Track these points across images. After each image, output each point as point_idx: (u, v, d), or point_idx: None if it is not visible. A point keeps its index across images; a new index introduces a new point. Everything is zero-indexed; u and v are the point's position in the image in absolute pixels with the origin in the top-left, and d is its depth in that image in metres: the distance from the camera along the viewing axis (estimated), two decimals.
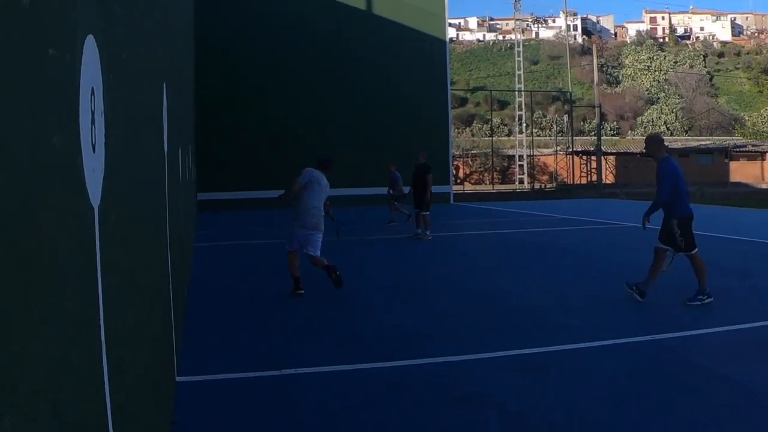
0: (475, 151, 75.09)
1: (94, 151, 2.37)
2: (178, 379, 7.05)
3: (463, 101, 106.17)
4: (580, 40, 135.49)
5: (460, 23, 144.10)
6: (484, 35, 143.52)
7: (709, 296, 10.36)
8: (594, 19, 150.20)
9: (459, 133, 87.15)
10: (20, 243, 1.44)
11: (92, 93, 2.38)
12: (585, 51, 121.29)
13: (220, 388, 6.97)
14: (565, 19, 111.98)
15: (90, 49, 2.37)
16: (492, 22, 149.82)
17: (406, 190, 21.92)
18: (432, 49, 40.16)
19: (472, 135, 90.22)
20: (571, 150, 65.21)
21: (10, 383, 1.33)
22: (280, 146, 35.47)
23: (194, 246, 17.94)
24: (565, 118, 79.05)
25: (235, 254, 17.65)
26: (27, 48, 1.54)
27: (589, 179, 65.94)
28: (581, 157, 67.95)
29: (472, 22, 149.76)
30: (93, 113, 2.38)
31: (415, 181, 20.23)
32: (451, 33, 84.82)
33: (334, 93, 37.02)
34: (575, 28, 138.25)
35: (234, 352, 8.22)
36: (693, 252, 10.61)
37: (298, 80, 36.41)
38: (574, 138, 69.19)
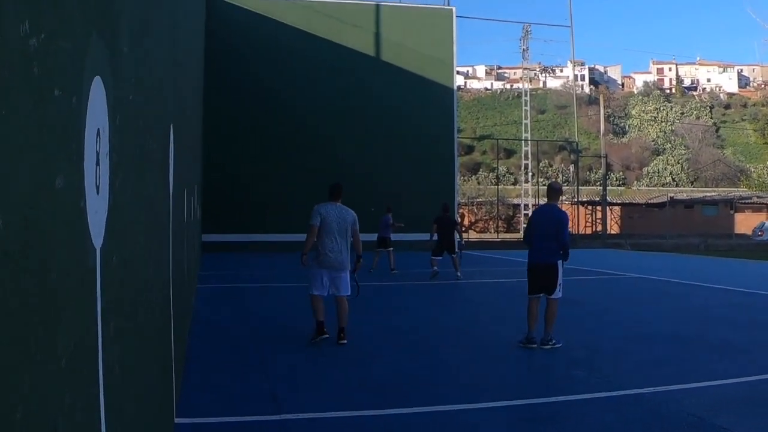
0: (480, 199, 75.20)
1: (98, 192, 2.37)
2: (176, 420, 7.00)
3: (469, 149, 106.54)
4: (587, 89, 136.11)
5: (468, 71, 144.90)
6: (491, 84, 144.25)
7: (526, 344, 10.96)
8: (601, 69, 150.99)
9: (465, 180, 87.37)
10: (21, 282, 1.43)
11: (98, 134, 2.38)
12: (592, 101, 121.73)
13: (219, 431, 6.92)
14: (573, 69, 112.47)
15: (97, 91, 2.38)
16: (500, 71, 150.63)
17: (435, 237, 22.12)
18: (440, 97, 40.32)
19: (478, 183, 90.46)
20: (576, 200, 65.26)
21: (7, 424, 1.32)
22: (285, 190, 35.55)
23: (197, 287, 17.91)
24: (571, 167, 79.37)
25: (237, 296, 17.62)
26: (33, 89, 1.55)
27: (594, 229, 65.92)
28: (586, 207, 68.03)
29: (480, 70, 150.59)
30: (98, 154, 2.38)
31: (444, 228, 21.78)
32: (459, 81, 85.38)
33: (341, 138, 37.17)
34: (583, 77, 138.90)
35: (234, 395, 8.17)
36: (529, 296, 11.46)
37: (304, 125, 36.59)
38: (580, 188, 69.26)
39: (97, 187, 2.36)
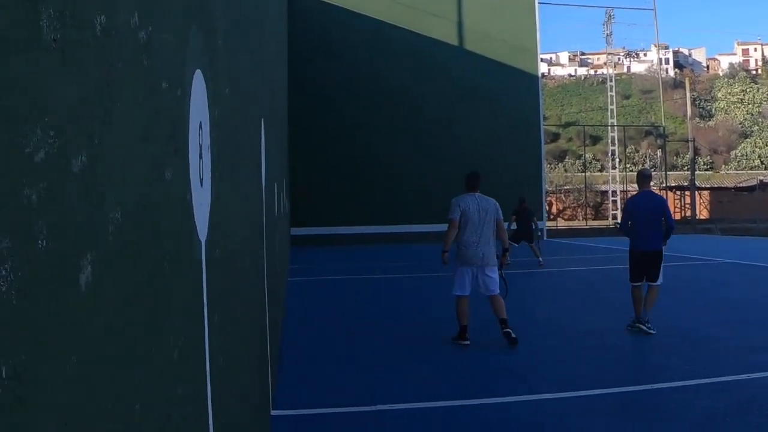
0: (567, 187, 74.52)
1: (201, 185, 2.38)
2: (272, 413, 7.06)
3: (555, 136, 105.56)
4: (672, 73, 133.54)
5: (551, 58, 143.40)
6: (575, 70, 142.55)
7: (635, 325, 11.00)
8: (686, 52, 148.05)
9: (552, 168, 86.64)
10: (138, 275, 1.44)
11: (200, 127, 2.40)
12: (677, 84, 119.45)
13: (315, 422, 6.95)
14: (657, 53, 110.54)
15: (198, 84, 2.39)
16: (583, 57, 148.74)
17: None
18: (524, 84, 39.99)
19: (565, 170, 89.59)
20: (664, 185, 64.19)
21: (122, 409, 1.32)
22: (372, 182, 35.66)
23: (287, 280, 18.06)
24: (658, 152, 78.02)
25: (327, 289, 17.70)
26: (144, 81, 1.55)
27: (682, 215, 64.77)
28: (675, 192, 66.86)
29: (564, 56, 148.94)
30: (201, 147, 2.40)
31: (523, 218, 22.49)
32: (543, 68, 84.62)
33: (427, 128, 37.06)
34: (667, 61, 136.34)
35: (328, 387, 8.19)
36: (632, 283, 11.36)
37: (390, 115, 36.57)
38: (668, 173, 68.12)
39: (201, 180, 2.38)
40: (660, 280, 11.24)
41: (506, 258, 11.11)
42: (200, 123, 2.41)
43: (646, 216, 11.13)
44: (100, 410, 1.16)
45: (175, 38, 1.98)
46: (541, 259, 22.21)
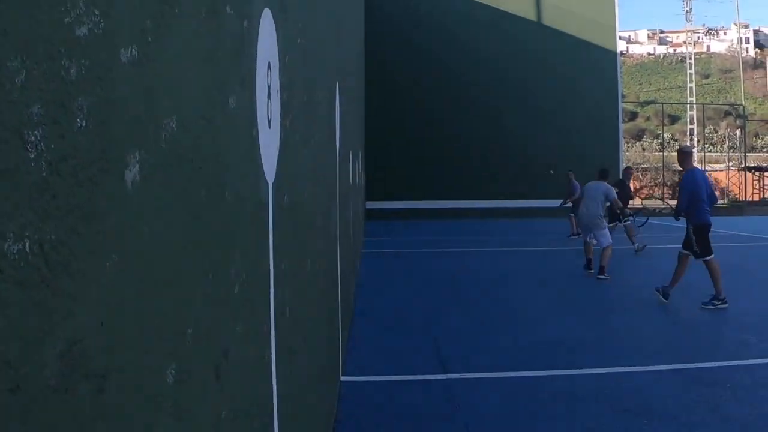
0: (645, 166, 73.51)
1: (269, 126, 2.33)
2: (342, 378, 7.05)
3: (633, 115, 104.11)
4: (752, 53, 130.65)
5: (630, 36, 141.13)
6: (654, 48, 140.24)
7: (723, 302, 10.90)
8: (766, 31, 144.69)
9: (629, 147, 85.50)
10: (196, 188, 1.38)
11: (269, 67, 2.35)
12: (758, 64, 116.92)
13: (385, 389, 6.92)
14: (737, 31, 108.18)
15: (267, 23, 2.34)
16: (662, 35, 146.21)
17: None
18: (602, 62, 39.41)
19: (643, 149, 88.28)
20: (743, 165, 62.92)
21: (177, 338, 1.27)
22: (449, 157, 35.52)
23: (361, 252, 18.10)
24: (738, 132, 76.43)
25: (401, 262, 17.69)
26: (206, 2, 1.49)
27: (762, 196, 63.44)
28: (754, 173, 65.50)
29: (642, 35, 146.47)
30: (269, 88, 2.35)
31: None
32: (621, 46, 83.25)
33: (504, 104, 36.77)
34: (747, 40, 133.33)
35: (399, 355, 8.18)
36: (707, 258, 11.24)
37: (467, 91, 36.35)
38: (747, 153, 66.78)
39: (269, 121, 2.33)
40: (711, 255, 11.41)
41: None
42: (269, 63, 2.36)
43: (705, 191, 11.39)
44: (142, 320, 1.11)
45: None
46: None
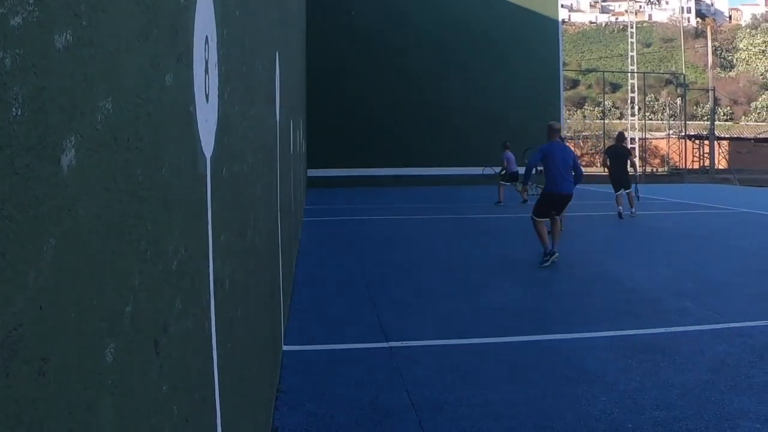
0: (586, 134, 74.15)
1: (207, 100, 2.34)
2: (285, 348, 7.08)
3: (574, 83, 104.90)
4: (693, 22, 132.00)
5: (572, 4, 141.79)
6: (596, 17, 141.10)
7: (551, 255, 12.14)
8: (708, 1, 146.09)
9: (570, 114, 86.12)
10: (132, 169, 1.39)
11: (206, 42, 2.35)
12: (698, 34, 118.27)
13: (327, 358, 6.97)
14: (679, 1, 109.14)
15: None
16: (604, 4, 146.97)
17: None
18: (544, 30, 39.53)
19: (584, 117, 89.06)
20: (683, 134, 63.73)
21: (115, 316, 1.28)
22: (391, 125, 35.49)
23: (303, 220, 18.08)
24: (678, 101, 77.29)
25: (343, 229, 17.70)
26: None
27: (701, 164, 64.39)
28: (694, 142, 66.38)
29: (584, 3, 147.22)
30: (207, 62, 2.35)
31: (614, 162, 20.42)
32: (563, 14, 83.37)
33: (445, 72, 36.77)
34: (689, 10, 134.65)
35: (341, 324, 8.22)
36: (537, 219, 12.57)
37: (409, 59, 36.26)
38: (687, 122, 67.61)
39: (207, 95, 2.33)
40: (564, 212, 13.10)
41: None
42: (206, 38, 2.36)
43: (560, 163, 12.42)
44: (80, 301, 1.12)
45: None
46: (634, 209, 20.71)
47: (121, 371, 1.31)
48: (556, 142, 12.74)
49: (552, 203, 12.62)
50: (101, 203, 1.20)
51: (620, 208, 19.93)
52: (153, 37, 1.59)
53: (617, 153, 20.44)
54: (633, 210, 20.07)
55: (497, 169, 26.50)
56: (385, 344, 7.33)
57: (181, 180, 1.88)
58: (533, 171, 13.26)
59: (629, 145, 58.66)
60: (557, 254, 12.22)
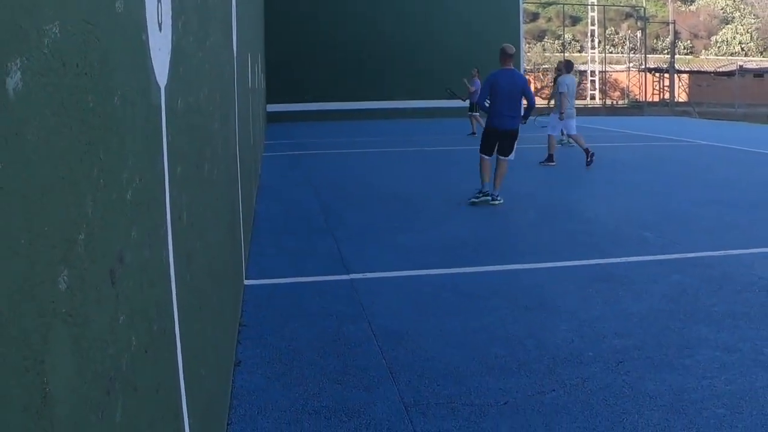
0: (546, 66, 74.07)
1: (160, 30, 2.30)
2: (246, 282, 7.09)
3: (534, 16, 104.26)
4: None
5: None
6: None
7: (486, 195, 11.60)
8: None
9: (530, 48, 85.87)
10: (82, 94, 1.37)
11: None
12: None
13: (289, 291, 6.99)
14: None
15: None
16: None
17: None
18: None
19: (544, 50, 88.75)
20: (643, 67, 63.82)
21: (68, 244, 1.27)
22: (353, 59, 35.21)
23: (263, 155, 18.00)
24: (638, 34, 77.20)
25: (301, 163, 17.65)
26: None
27: (661, 97, 64.60)
28: (654, 75, 66.52)
29: None
30: None
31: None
32: None
33: (404, 5, 36.45)
34: None
35: (303, 257, 8.26)
36: (483, 155, 11.83)
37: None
38: (647, 55, 67.70)
39: (159, 25, 2.29)
40: (512, 156, 11.77)
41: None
42: None
43: (506, 94, 11.37)
44: (30, 228, 1.11)
45: None
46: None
47: (75, 300, 1.30)
48: (506, 68, 11.60)
49: (494, 139, 11.66)
50: (50, 128, 1.19)
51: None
52: None
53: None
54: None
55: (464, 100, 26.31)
56: (345, 276, 7.38)
57: (135, 109, 1.86)
58: (486, 104, 11.66)
59: (589, 78, 58.71)
60: (499, 200, 11.52)
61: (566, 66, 18.04)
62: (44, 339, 1.14)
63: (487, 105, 11.49)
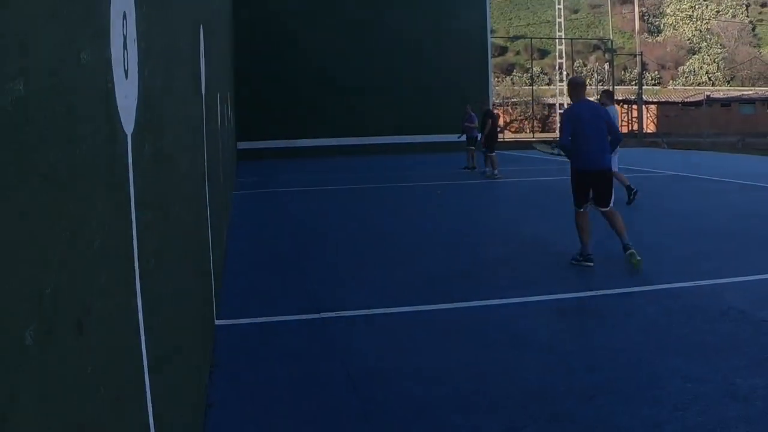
0: (515, 100, 74.55)
1: (126, 77, 2.31)
2: (217, 322, 7.05)
3: (503, 50, 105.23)
4: None
5: None
6: None
7: (587, 260, 9.49)
8: None
9: (499, 81, 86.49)
10: (47, 151, 1.37)
11: (124, 17, 2.31)
12: (626, 0, 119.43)
13: (260, 331, 6.96)
14: None
15: None
16: None
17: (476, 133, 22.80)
18: None
19: (513, 84, 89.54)
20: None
21: (35, 298, 1.27)
22: (322, 96, 35.33)
23: (233, 193, 17.98)
24: (606, 66, 78.01)
25: (272, 200, 17.64)
26: None
27: (630, 128, 65.18)
28: (622, 106, 67.13)
29: None
30: (125, 38, 2.32)
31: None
32: None
33: (377, 41, 36.61)
34: None
35: (274, 296, 8.22)
36: (578, 209, 9.74)
37: (340, 29, 36.05)
38: (615, 87, 68.33)
39: (126, 72, 2.30)
40: (611, 203, 9.84)
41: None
42: (124, 13, 2.32)
43: (593, 129, 9.42)
44: None
45: None
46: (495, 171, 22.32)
47: (43, 353, 1.29)
48: (584, 100, 9.75)
49: (587, 184, 9.59)
50: (14, 184, 1.19)
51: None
52: (67, 15, 1.57)
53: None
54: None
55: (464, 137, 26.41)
56: (317, 315, 7.35)
57: (101, 158, 1.86)
58: (566, 143, 9.58)
59: (557, 111, 59.23)
60: (633, 252, 9.25)
61: (608, 96, 15.63)
62: (10, 397, 1.14)
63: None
